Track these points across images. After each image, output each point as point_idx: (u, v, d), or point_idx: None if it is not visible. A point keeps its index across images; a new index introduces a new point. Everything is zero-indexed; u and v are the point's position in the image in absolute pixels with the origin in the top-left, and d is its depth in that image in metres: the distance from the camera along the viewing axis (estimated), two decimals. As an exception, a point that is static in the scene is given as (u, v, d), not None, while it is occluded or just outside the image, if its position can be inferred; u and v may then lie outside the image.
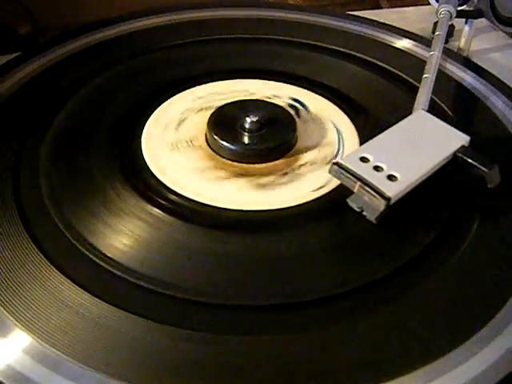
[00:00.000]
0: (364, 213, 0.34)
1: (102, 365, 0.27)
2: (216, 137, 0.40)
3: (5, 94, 0.44)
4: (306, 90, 0.47)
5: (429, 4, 0.56)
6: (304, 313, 0.30)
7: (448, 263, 0.33)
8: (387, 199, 0.32)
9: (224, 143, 0.39)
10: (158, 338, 0.28)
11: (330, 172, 0.34)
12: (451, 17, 0.51)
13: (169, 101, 0.45)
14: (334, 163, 0.34)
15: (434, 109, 0.42)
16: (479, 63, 0.53)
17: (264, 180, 0.38)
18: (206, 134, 0.41)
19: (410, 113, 0.39)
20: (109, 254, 0.32)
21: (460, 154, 0.35)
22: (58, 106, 0.43)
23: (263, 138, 0.40)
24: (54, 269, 0.31)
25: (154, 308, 0.30)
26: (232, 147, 0.39)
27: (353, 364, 0.28)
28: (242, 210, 0.36)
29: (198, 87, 0.46)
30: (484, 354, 0.28)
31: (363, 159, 0.34)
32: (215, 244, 0.34)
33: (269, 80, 0.48)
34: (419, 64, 0.46)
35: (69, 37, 0.52)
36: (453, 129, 0.37)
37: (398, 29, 0.56)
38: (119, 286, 0.31)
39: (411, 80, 0.48)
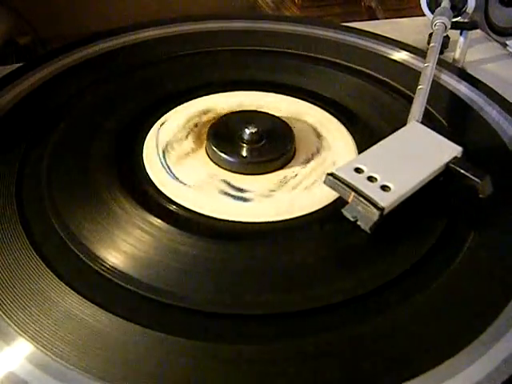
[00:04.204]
0: (358, 222, 0.34)
1: (105, 374, 0.27)
2: (215, 149, 0.40)
3: (6, 107, 0.44)
4: (302, 101, 0.47)
5: (424, 15, 0.57)
6: (298, 321, 0.31)
7: (441, 274, 0.33)
8: (381, 209, 0.32)
9: (223, 155, 0.40)
10: (162, 348, 0.29)
11: (325, 182, 0.34)
12: (446, 28, 0.51)
13: (170, 112, 0.45)
14: (329, 174, 0.34)
15: (428, 119, 0.42)
16: (474, 74, 0.53)
17: (263, 192, 0.38)
18: (205, 146, 0.42)
19: (405, 123, 0.40)
20: (112, 264, 0.33)
21: (452, 165, 0.36)
22: (59, 117, 0.44)
23: (262, 150, 0.40)
24: (56, 278, 0.32)
25: (159, 318, 0.30)
26: (231, 159, 0.40)
27: (346, 373, 0.28)
28: (239, 222, 0.36)
29: (198, 99, 0.47)
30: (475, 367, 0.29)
31: (357, 170, 0.35)
32: (214, 254, 0.34)
33: (264, 91, 0.48)
34: (414, 75, 0.47)
35: (68, 49, 0.52)
36: (446, 140, 0.37)
37: (394, 40, 0.57)
38: (123, 296, 0.31)
39: (407, 91, 0.49)
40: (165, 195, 0.38)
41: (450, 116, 0.47)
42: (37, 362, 0.28)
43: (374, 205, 0.32)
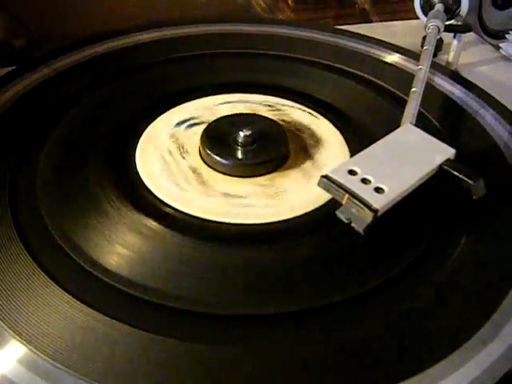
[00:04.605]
0: (352, 224, 0.34)
1: (98, 376, 0.27)
2: (209, 151, 0.40)
3: (0, 109, 0.44)
4: (295, 104, 0.47)
5: (418, 18, 0.57)
6: (295, 322, 0.31)
7: (436, 274, 0.33)
8: (374, 211, 0.32)
9: (217, 158, 0.40)
10: (154, 349, 0.29)
11: (318, 184, 0.34)
12: (439, 31, 0.51)
13: (163, 115, 0.45)
14: (323, 176, 0.34)
15: (422, 122, 0.42)
16: (468, 76, 0.53)
17: (257, 194, 0.38)
18: (199, 149, 0.42)
19: (398, 126, 0.40)
20: (105, 265, 0.33)
21: (446, 167, 0.36)
22: (54, 120, 0.44)
23: (256, 153, 0.40)
24: (49, 279, 0.31)
25: (152, 319, 0.30)
26: (224, 162, 0.40)
27: (344, 373, 0.28)
28: (233, 224, 0.36)
29: (192, 102, 0.47)
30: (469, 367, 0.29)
31: (351, 172, 0.35)
32: (207, 255, 0.34)
33: (258, 94, 0.48)
34: (408, 78, 0.47)
35: (63, 51, 0.52)
36: (439, 142, 0.38)
37: (387, 43, 0.57)
38: (115, 296, 0.31)
39: (400, 94, 0.49)
40: (157, 196, 0.38)
41: (443, 118, 0.47)
42: (28, 363, 0.28)
43: (368, 207, 0.32)
